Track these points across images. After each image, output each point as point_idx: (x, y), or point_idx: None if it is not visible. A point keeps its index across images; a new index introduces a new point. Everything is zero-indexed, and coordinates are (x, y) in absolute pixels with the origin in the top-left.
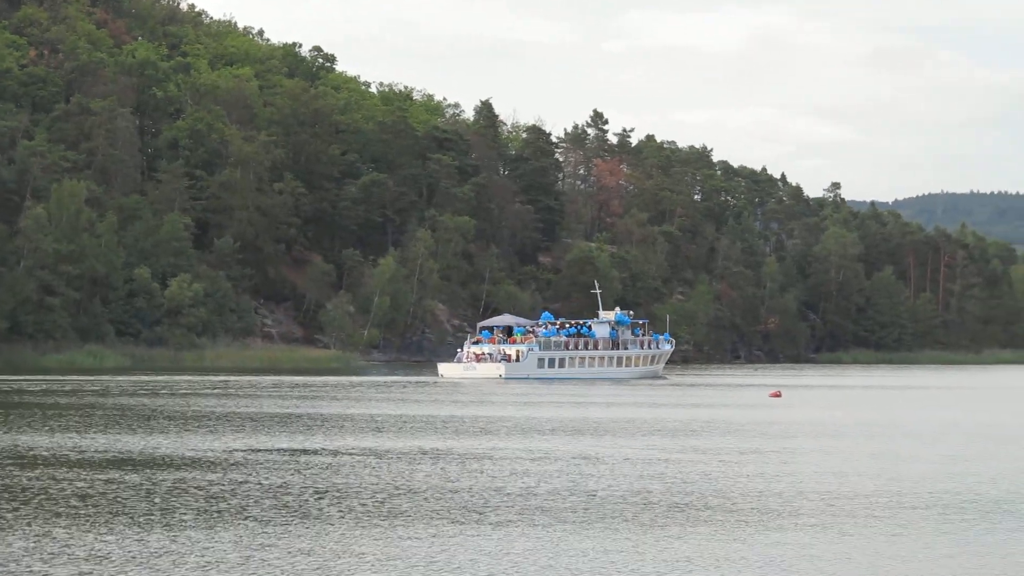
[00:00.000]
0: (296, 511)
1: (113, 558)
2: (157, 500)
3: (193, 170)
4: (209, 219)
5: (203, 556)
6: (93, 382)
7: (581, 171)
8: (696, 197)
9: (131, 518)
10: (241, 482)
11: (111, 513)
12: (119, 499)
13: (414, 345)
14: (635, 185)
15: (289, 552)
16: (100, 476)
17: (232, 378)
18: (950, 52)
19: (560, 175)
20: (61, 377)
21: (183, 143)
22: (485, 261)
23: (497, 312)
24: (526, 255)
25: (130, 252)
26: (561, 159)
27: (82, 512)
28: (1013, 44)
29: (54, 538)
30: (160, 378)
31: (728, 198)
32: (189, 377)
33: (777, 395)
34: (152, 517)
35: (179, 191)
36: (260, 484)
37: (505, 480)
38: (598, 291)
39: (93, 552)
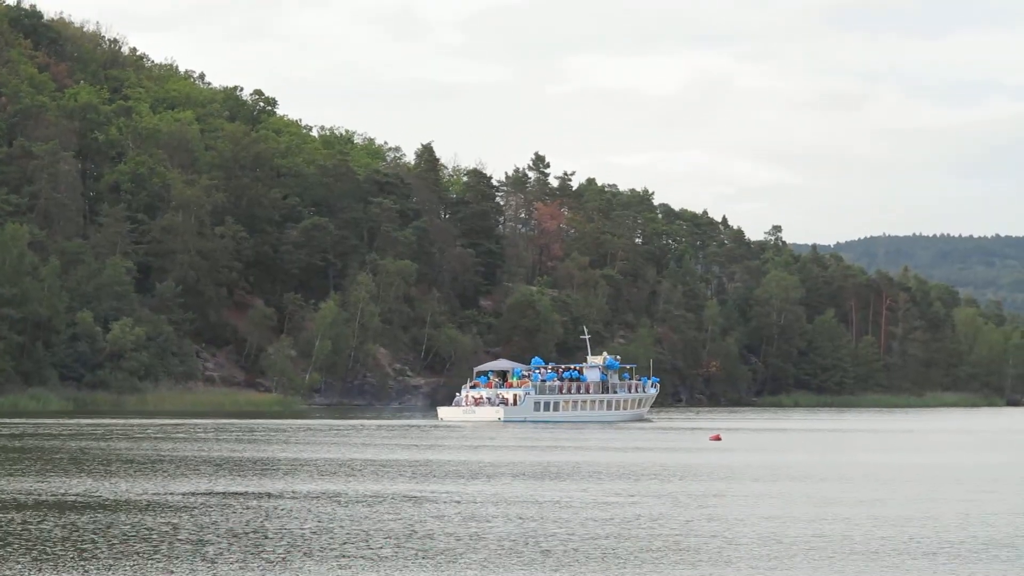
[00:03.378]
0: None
1: None
2: (130, 543)
3: (135, 214)
4: (151, 263)
5: None
6: (49, 425)
7: (522, 214)
8: (637, 240)
9: (103, 562)
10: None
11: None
12: (96, 543)
13: (355, 389)
14: (576, 228)
15: None
16: (86, 518)
17: (204, 421)
18: (891, 95)
19: (501, 219)
20: (8, 421)
21: (125, 187)
22: (426, 305)
23: (438, 356)
24: (467, 299)
25: (72, 296)
26: (502, 203)
27: (65, 556)
28: (954, 88)
29: None
30: (121, 421)
31: (669, 241)
32: (171, 421)
33: (717, 439)
34: (127, 560)
35: (121, 235)
36: (271, 527)
37: (467, 524)
38: (587, 336)
39: None
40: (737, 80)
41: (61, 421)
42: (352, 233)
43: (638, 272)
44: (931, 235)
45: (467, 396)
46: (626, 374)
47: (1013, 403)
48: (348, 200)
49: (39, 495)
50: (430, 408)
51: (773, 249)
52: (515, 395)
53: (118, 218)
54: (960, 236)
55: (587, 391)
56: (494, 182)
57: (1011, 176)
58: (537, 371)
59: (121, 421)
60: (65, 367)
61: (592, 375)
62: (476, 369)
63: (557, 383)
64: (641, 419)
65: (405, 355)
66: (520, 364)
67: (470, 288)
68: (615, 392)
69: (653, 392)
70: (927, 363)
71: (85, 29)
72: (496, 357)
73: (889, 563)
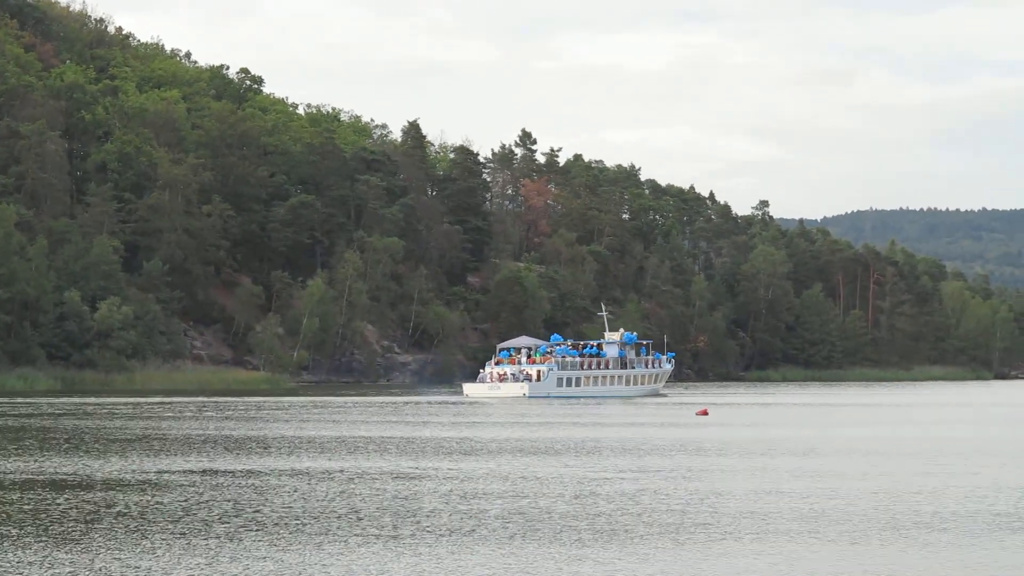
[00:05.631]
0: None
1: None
2: (138, 521)
3: (122, 193)
4: (138, 242)
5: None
6: (40, 405)
7: (509, 191)
8: (624, 216)
9: (106, 537)
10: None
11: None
12: (95, 519)
13: (343, 366)
14: (563, 205)
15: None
16: (97, 497)
17: (226, 399)
18: (879, 71)
19: (488, 195)
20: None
21: (112, 166)
22: (414, 282)
23: (426, 333)
24: (455, 276)
25: (60, 275)
26: (489, 179)
27: (67, 532)
28: (941, 64)
29: (40, 556)
30: (110, 400)
31: (656, 217)
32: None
33: (704, 413)
34: (136, 538)
35: (108, 214)
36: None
37: (467, 501)
38: (604, 313)
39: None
40: (725, 57)
41: (51, 400)
42: (339, 211)
43: (625, 248)
44: (918, 209)
45: (491, 372)
46: (643, 349)
47: (1001, 376)
48: (335, 178)
49: (41, 475)
50: (417, 384)
51: (760, 224)
52: (539, 371)
53: (105, 197)
54: (947, 210)
55: (606, 367)
56: (481, 159)
57: (997, 150)
58: (559, 347)
59: (110, 400)
60: (53, 346)
61: (611, 351)
62: (499, 346)
63: (578, 359)
64: (657, 394)
65: (392, 332)
66: (542, 340)
67: (457, 265)
68: (633, 368)
69: (668, 367)
70: (915, 337)
71: (71, 9)
72: (484, 334)
73: (897, 537)
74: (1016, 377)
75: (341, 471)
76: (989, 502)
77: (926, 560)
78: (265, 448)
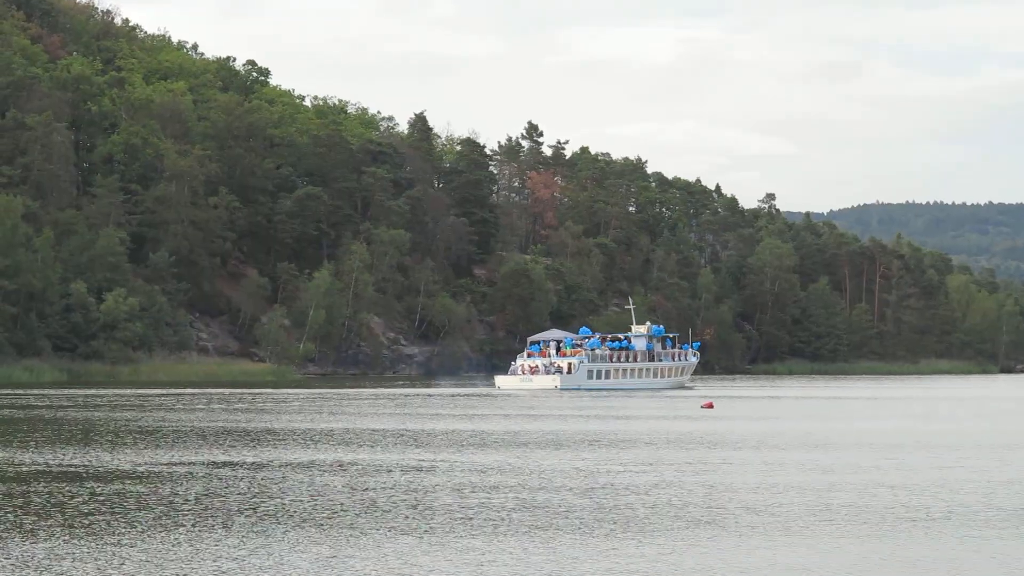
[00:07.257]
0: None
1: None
2: (159, 512)
3: (128, 185)
4: (144, 233)
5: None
6: (49, 396)
7: (516, 183)
8: (631, 209)
9: (132, 529)
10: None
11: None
12: (117, 510)
13: (349, 358)
14: (569, 197)
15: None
16: (104, 488)
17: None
18: (885, 64)
19: (495, 188)
20: (4, 392)
21: (118, 158)
22: (420, 274)
23: (432, 325)
24: (461, 268)
25: (66, 267)
26: (496, 172)
27: (101, 521)
28: (947, 57)
29: (55, 545)
30: (117, 392)
31: (663, 210)
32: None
33: (710, 406)
34: (157, 529)
35: (114, 206)
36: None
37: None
38: (631, 307)
39: (101, 558)
40: (731, 51)
41: (61, 392)
42: (345, 203)
43: (632, 240)
44: (924, 202)
45: (522, 365)
46: (669, 341)
47: (1007, 370)
48: (341, 170)
49: (58, 466)
50: (424, 377)
51: (767, 217)
52: (570, 364)
53: (111, 189)
54: (953, 203)
55: (634, 359)
56: (487, 151)
57: (1004, 143)
58: (588, 340)
59: (117, 392)
60: (59, 338)
61: (639, 344)
62: (529, 339)
63: (607, 352)
64: (683, 386)
65: (399, 324)
66: (570, 333)
67: (464, 257)
68: (660, 360)
69: (694, 360)
70: (921, 330)
71: (77, 0)
72: (491, 326)
73: (917, 530)
74: (1022, 371)
75: (355, 463)
76: (1005, 495)
77: (945, 553)
78: (324, 442)
